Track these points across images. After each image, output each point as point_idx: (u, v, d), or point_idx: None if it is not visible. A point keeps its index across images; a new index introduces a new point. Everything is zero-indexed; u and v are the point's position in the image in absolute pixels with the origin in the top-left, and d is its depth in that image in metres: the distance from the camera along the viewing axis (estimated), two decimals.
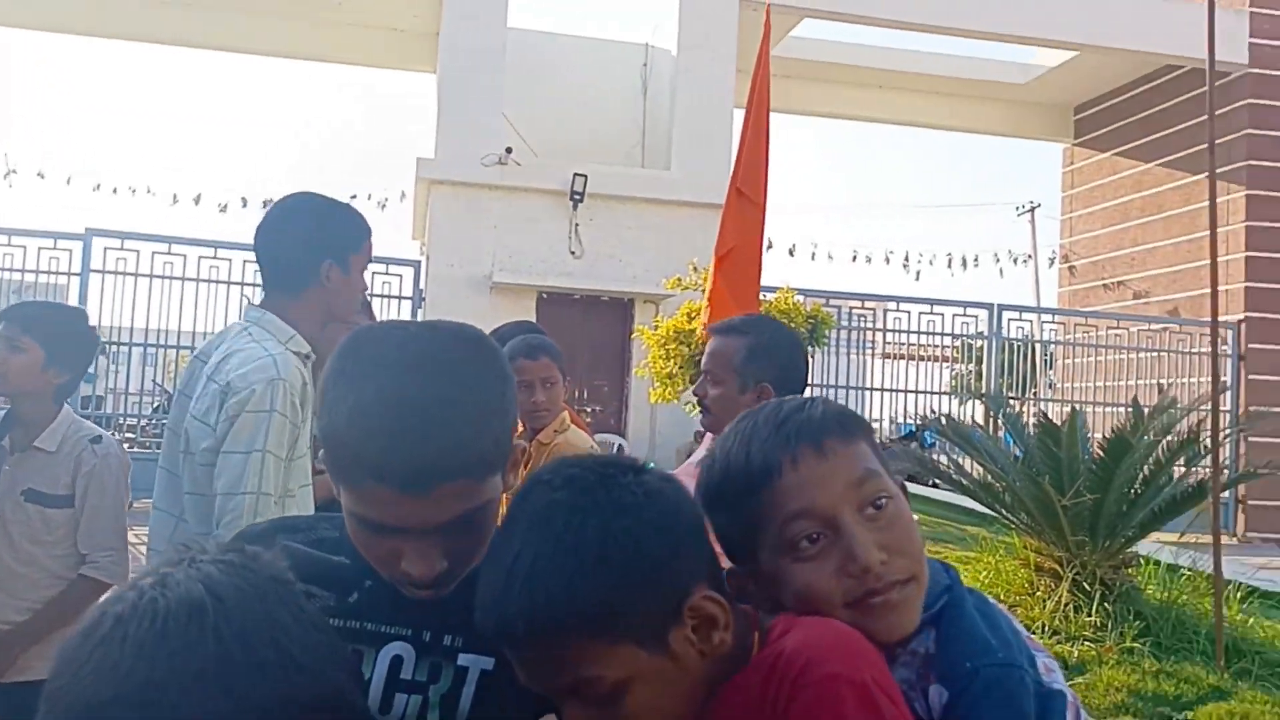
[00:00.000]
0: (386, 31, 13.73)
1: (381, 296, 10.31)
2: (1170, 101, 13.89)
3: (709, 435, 2.64)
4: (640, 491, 0.95)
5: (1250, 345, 12.46)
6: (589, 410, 10.90)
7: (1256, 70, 12.67)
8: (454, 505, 0.98)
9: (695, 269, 8.91)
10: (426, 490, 0.96)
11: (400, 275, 10.80)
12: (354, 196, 16.49)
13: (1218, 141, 12.85)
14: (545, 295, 11.35)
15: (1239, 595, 5.59)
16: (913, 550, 1.04)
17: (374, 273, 10.62)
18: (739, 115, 11.96)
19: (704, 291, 8.53)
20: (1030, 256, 24.15)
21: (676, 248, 11.27)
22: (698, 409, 2.64)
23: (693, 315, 8.26)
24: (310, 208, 2.19)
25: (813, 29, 13.23)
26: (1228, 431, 5.44)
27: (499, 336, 3.32)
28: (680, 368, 8.17)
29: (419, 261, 11.33)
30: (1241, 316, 12.44)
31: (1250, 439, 11.58)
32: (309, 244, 2.15)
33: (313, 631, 0.79)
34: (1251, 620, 5.46)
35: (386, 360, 0.99)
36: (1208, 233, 12.93)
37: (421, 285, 10.95)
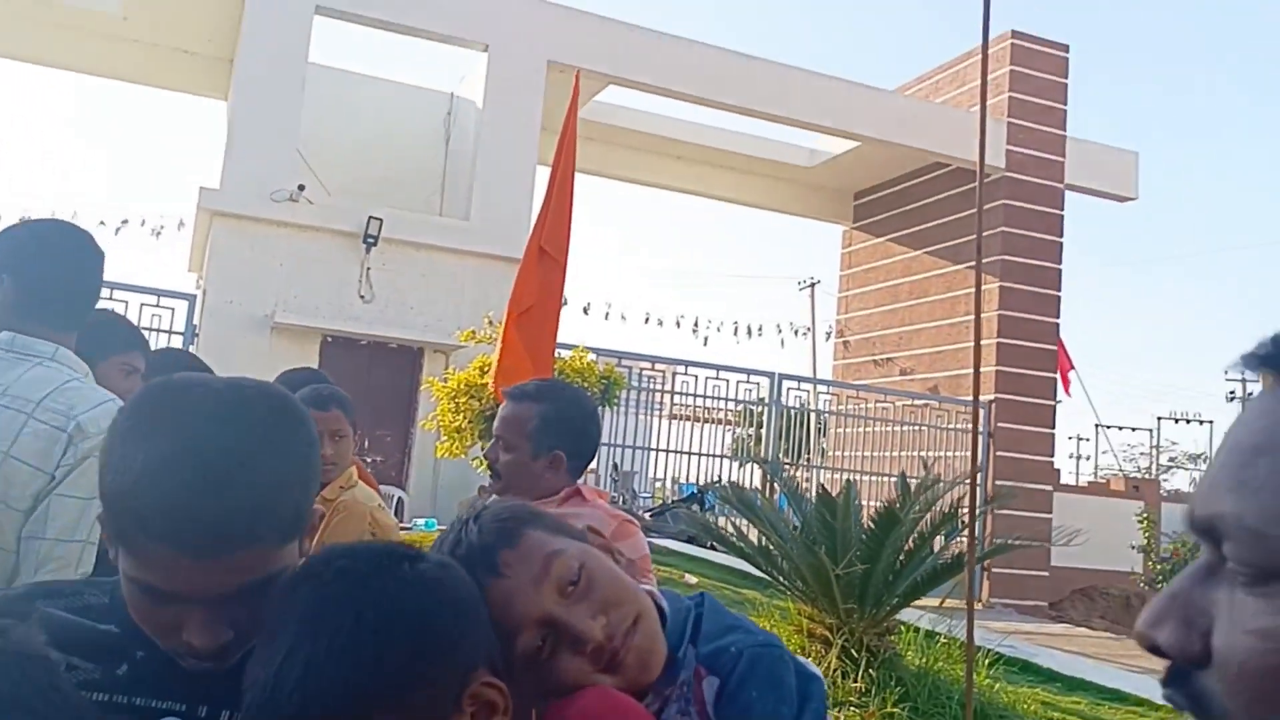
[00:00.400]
0: (176, 53, 13.03)
1: (150, 330, 9.63)
2: (937, 196, 15.09)
3: (494, 496, 2.61)
4: (416, 583, 0.92)
5: (999, 424, 13.55)
6: (369, 460, 10.53)
7: (1012, 174, 13.96)
8: (246, 573, 0.93)
9: (490, 322, 8.84)
10: (218, 557, 0.90)
11: (172, 309, 10.13)
12: (125, 222, 15.44)
13: (975, 237, 13.95)
14: (330, 339, 10.95)
15: (987, 662, 5.99)
16: (625, 595, 1.08)
17: (143, 304, 9.93)
18: (541, 171, 12.11)
19: (497, 346, 8.49)
20: (809, 329, 25.48)
21: (470, 299, 11.16)
22: (487, 468, 2.60)
23: (485, 369, 8.16)
24: (86, 240, 2.03)
25: (617, 95, 13.57)
26: (983, 508, 5.86)
27: (284, 384, 3.16)
28: (470, 422, 8.03)
29: (194, 295, 10.68)
30: (992, 397, 13.53)
31: (997, 511, 12.56)
32: (91, 275, 2.00)
33: (65, 711, 0.72)
34: (997, 685, 5.85)
35: (185, 417, 0.93)
36: (966, 318, 13.97)
37: (196, 321, 10.31)
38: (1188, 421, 37.16)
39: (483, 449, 8.10)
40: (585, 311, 18.03)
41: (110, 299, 9.68)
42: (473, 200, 11.74)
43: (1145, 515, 15.01)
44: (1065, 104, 14.58)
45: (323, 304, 10.90)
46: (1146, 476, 27.50)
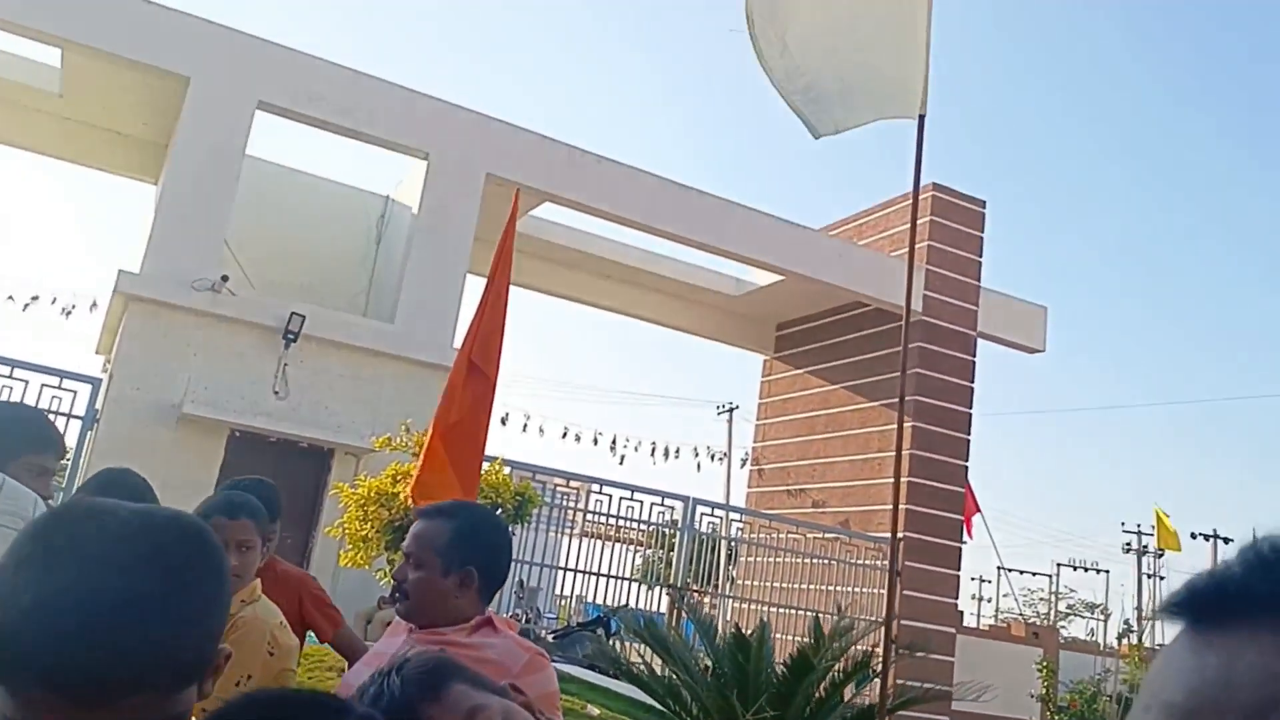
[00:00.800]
0: (110, 134, 12.90)
1: (49, 413, 9.24)
2: (856, 333, 15.51)
3: (398, 618, 2.53)
4: None
5: (906, 563, 13.65)
6: None
7: (928, 319, 14.42)
8: None
9: (407, 430, 8.68)
10: (106, 703, 0.84)
11: (75, 391, 9.76)
12: (35, 298, 14.98)
13: (890, 376, 14.36)
14: (238, 434, 10.63)
15: None
16: None
17: (44, 384, 9.56)
18: (471, 280, 12.14)
19: (415, 455, 8.32)
20: (726, 455, 25.64)
21: (388, 403, 10.99)
22: (391, 583, 2.55)
23: (399, 478, 7.98)
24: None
25: (551, 211, 13.78)
26: (896, 655, 5.83)
27: (232, 489, 3.07)
28: (378, 532, 7.80)
29: (100, 379, 10.33)
30: (901, 536, 13.64)
31: (898, 650, 12.53)
32: None
33: None
34: None
35: (85, 549, 0.87)
36: (879, 454, 14.11)
37: (98, 406, 9.94)
38: (1085, 570, 37.96)
39: (389, 560, 7.85)
40: (503, 422, 17.89)
41: (10, 377, 9.30)
42: (399, 304, 11.68)
43: (1044, 663, 15.13)
44: (981, 256, 15.22)
45: (234, 398, 10.62)
46: (1046, 623, 27.85)
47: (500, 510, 8.19)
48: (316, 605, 3.53)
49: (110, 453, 9.12)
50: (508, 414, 19.14)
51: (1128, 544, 35.69)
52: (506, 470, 9.33)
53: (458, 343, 11.24)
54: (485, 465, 9.02)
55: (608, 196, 12.72)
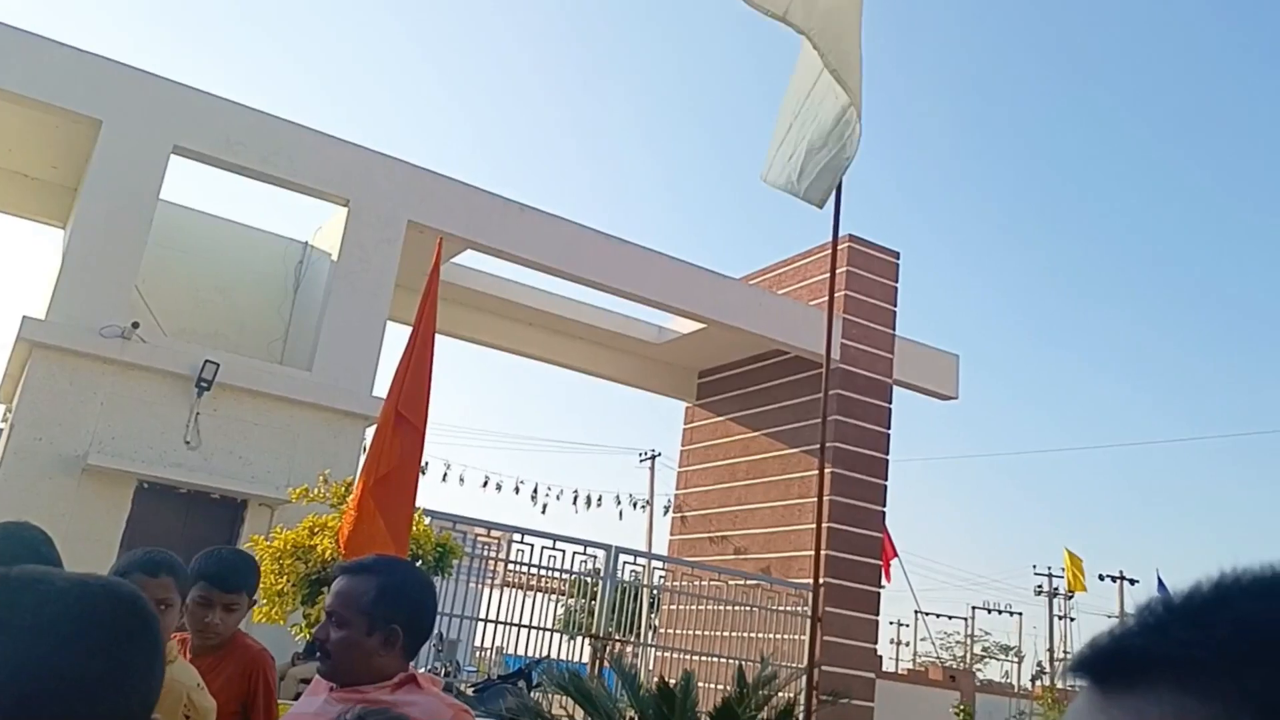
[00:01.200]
0: (16, 176, 12.54)
1: None
2: (776, 381, 15.72)
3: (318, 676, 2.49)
4: None
5: (826, 609, 13.75)
6: None
7: (845, 366, 14.70)
8: None
9: (325, 480, 8.51)
10: None
11: None
12: None
13: (810, 423, 14.53)
14: (145, 485, 10.29)
15: None
16: None
17: None
18: (392, 328, 12.02)
19: (334, 506, 8.16)
20: (648, 502, 25.61)
21: (305, 453, 10.77)
22: (306, 637, 2.51)
23: (316, 530, 7.80)
24: None
25: (472, 259, 13.76)
26: (819, 704, 5.86)
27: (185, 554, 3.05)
28: (293, 586, 7.60)
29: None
30: (821, 581, 13.76)
31: (820, 696, 12.59)
32: None
33: None
34: None
35: (20, 620, 0.86)
36: (800, 500, 14.23)
37: None
38: (1000, 612, 38.64)
39: (305, 615, 7.65)
40: (423, 471, 17.60)
41: None
42: (317, 352, 11.49)
43: (962, 707, 15.33)
44: (895, 305, 15.60)
45: (142, 447, 10.30)
46: (962, 666, 28.23)
47: (421, 562, 8.06)
48: (267, 693, 3.44)
49: (10, 505, 8.76)
50: (428, 463, 18.89)
51: (1039, 586, 36.48)
52: (427, 521, 9.20)
53: (378, 391, 11.15)
54: None
55: (530, 244, 12.75)
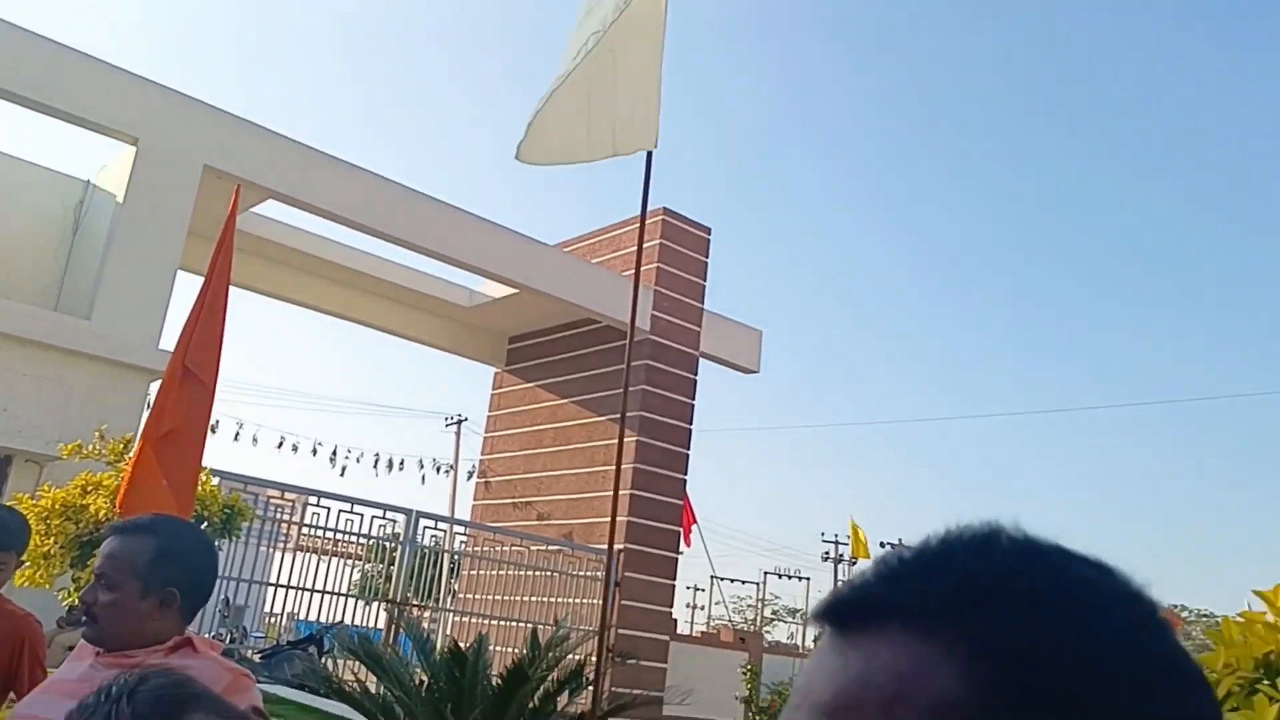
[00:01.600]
0: None
1: None
2: (586, 349, 15.84)
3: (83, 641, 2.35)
4: None
5: (626, 573, 14.05)
6: None
7: (654, 337, 14.96)
8: None
9: (102, 436, 7.97)
10: None
11: None
12: None
13: (617, 391, 14.70)
14: None
15: None
16: None
17: None
18: (184, 278, 11.35)
19: (110, 464, 7.65)
20: (452, 467, 25.34)
21: (80, 407, 10.06)
22: (77, 605, 2.36)
23: (89, 489, 7.30)
24: None
25: (276, 209, 13.15)
26: (609, 664, 6.01)
27: None
28: (62, 548, 7.09)
29: None
30: (621, 547, 14.05)
31: (615, 658, 12.90)
32: None
33: None
34: None
35: None
36: (604, 468, 14.41)
37: None
38: (790, 577, 40.54)
39: (74, 579, 7.17)
40: (213, 430, 16.76)
41: None
42: (98, 299, 10.71)
43: (749, 667, 16.00)
44: (705, 280, 15.98)
45: None
46: (752, 629, 29.47)
47: (207, 524, 7.69)
48: (33, 662, 3.18)
49: None
50: (218, 421, 18.00)
51: (826, 553, 38.49)
52: (215, 481, 8.78)
53: (165, 344, 10.49)
54: None
55: (336, 197, 12.29)
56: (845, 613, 0.51)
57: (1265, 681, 2.86)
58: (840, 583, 0.54)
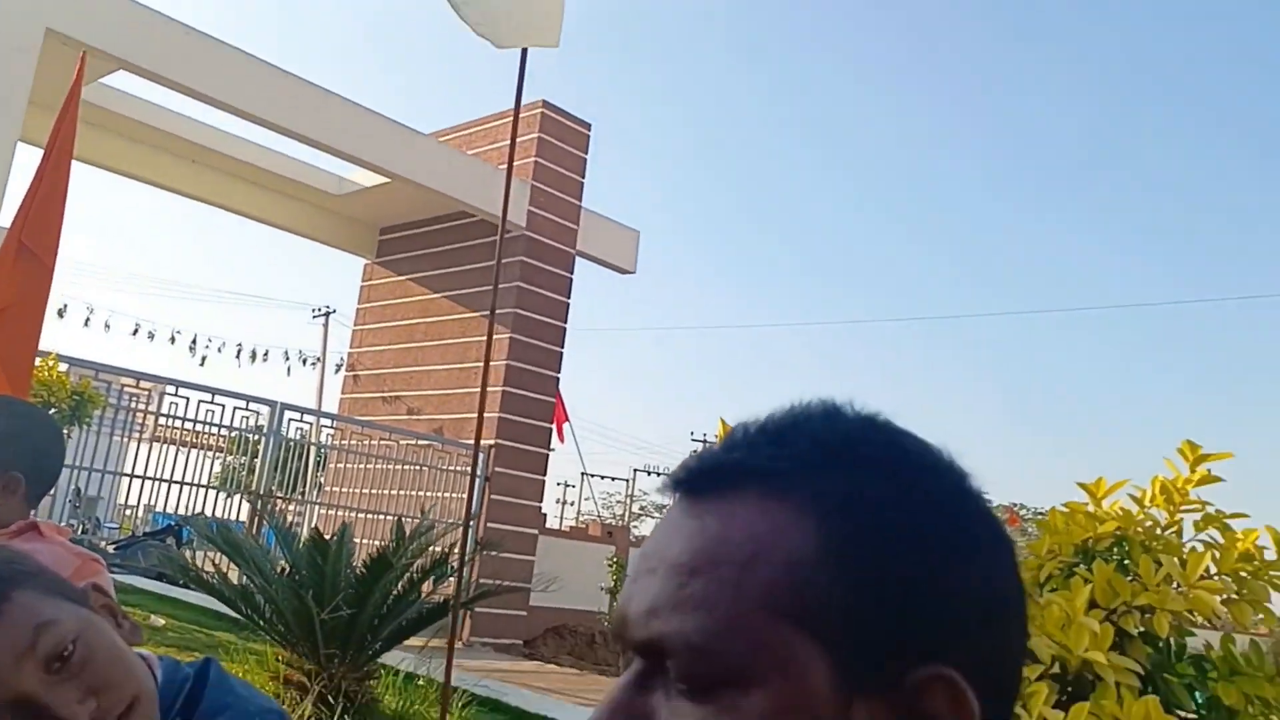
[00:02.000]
0: None
1: None
2: (461, 243, 15.55)
3: None
4: None
5: (496, 469, 14.12)
6: None
7: (531, 234, 14.79)
8: None
9: None
10: None
11: None
12: None
13: (491, 288, 14.57)
14: None
15: (462, 703, 6.16)
16: (122, 675, 0.98)
17: None
18: (24, 150, 10.60)
19: None
20: (319, 360, 24.75)
21: None
22: None
23: None
24: None
25: (127, 82, 12.33)
26: (472, 552, 6.08)
27: None
28: None
29: None
30: (493, 442, 14.09)
31: (483, 554, 13.07)
32: None
33: None
34: None
35: None
36: (476, 364, 14.42)
37: None
38: (658, 475, 41.47)
39: None
40: (60, 314, 15.95)
41: None
42: None
43: (615, 560, 16.43)
44: (583, 177, 15.80)
45: None
46: (620, 524, 30.20)
47: (55, 411, 7.36)
48: None
49: None
50: (66, 305, 17.08)
51: (695, 451, 39.43)
52: (63, 367, 8.40)
53: (3, 220, 9.81)
54: (37, 361, 8.02)
55: (195, 73, 11.58)
56: (703, 478, 0.54)
57: (1082, 565, 3.10)
58: (690, 455, 0.58)
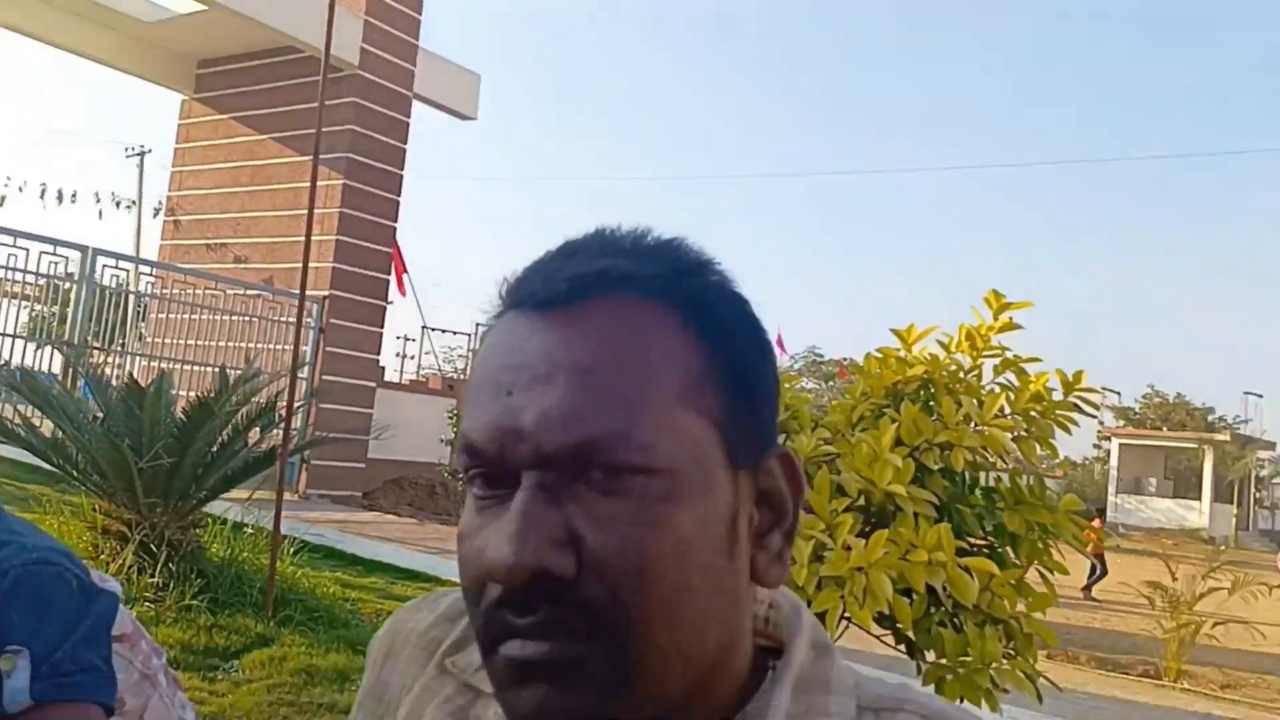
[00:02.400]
0: None
1: None
2: (288, 81, 14.63)
3: None
4: None
5: (331, 320, 13.74)
6: None
7: (364, 74, 14.03)
8: None
9: None
10: None
11: None
12: None
13: (325, 130, 13.97)
14: None
15: (292, 550, 6.12)
16: None
17: None
18: None
19: None
20: (135, 203, 23.16)
21: None
22: None
23: None
24: None
25: None
26: (302, 401, 5.94)
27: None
28: None
29: None
30: (327, 293, 13.66)
31: (320, 405, 12.81)
32: None
33: None
34: (300, 572, 6.03)
35: None
36: (306, 211, 13.88)
37: None
38: None
39: None
40: None
41: None
42: None
43: (455, 412, 16.45)
44: (420, 14, 14.99)
45: None
46: (461, 378, 30.10)
47: None
48: None
49: None
50: None
51: None
52: None
53: None
54: None
55: None
56: (578, 284, 0.56)
57: (891, 408, 3.28)
58: (533, 268, 0.60)
